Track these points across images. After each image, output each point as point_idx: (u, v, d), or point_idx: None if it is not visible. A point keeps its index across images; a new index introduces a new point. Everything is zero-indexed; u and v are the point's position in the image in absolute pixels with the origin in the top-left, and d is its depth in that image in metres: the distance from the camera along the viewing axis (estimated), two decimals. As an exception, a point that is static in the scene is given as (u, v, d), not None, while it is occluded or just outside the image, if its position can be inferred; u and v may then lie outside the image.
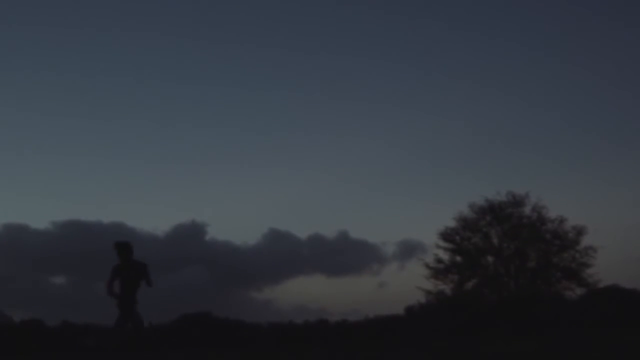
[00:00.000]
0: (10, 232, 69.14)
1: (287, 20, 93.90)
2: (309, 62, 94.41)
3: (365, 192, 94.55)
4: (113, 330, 9.50)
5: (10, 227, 70.43)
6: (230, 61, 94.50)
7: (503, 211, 32.93)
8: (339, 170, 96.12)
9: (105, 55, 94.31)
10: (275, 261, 70.64)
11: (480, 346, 13.98)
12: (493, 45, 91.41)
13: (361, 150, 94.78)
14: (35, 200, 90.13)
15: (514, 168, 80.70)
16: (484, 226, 33.05)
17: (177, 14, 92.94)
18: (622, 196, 79.97)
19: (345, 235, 74.12)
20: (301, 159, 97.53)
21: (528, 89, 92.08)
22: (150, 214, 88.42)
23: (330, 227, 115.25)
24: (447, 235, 33.09)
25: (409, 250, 64.83)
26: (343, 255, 72.81)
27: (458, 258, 32.92)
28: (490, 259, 32.88)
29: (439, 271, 32.63)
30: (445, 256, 33.00)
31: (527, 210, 32.84)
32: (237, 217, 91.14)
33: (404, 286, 68.65)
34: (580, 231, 32.02)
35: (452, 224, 33.34)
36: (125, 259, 9.62)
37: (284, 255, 71.76)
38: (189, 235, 71.64)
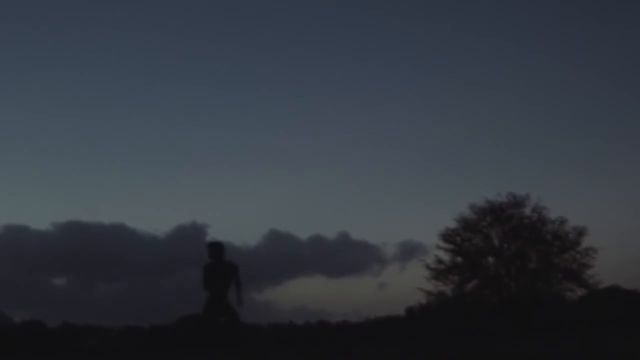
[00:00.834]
0: (10, 233, 69.16)
1: (288, 21, 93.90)
2: (309, 62, 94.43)
3: (366, 193, 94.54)
4: (202, 326, 9.48)
5: (11, 228, 70.42)
6: (230, 62, 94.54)
7: (504, 212, 32.93)
8: (340, 171, 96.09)
9: (106, 56, 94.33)
10: (275, 262, 70.59)
11: (480, 347, 13.97)
12: (493, 45, 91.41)
13: (361, 151, 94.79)
14: (36, 201, 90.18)
15: (514, 169, 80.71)
16: (484, 227, 33.06)
17: (179, 15, 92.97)
18: (622, 197, 79.94)
19: (346, 236, 74.10)
20: (302, 160, 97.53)
21: (528, 89, 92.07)
22: (151, 215, 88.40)
23: (330, 228, 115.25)
24: (447, 236, 33.11)
25: (409, 251, 64.85)
26: (344, 256, 72.76)
27: (459, 259, 32.93)
28: (490, 259, 32.91)
29: (439, 272, 32.63)
30: (445, 257, 33.01)
31: (527, 211, 32.87)
32: (237, 218, 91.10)
33: (404, 287, 68.53)
34: (580, 232, 32.03)
35: (452, 224, 33.38)
36: (217, 259, 9.49)
37: (284, 256, 71.73)
38: (190, 236, 71.60)
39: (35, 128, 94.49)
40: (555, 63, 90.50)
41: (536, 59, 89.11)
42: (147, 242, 70.38)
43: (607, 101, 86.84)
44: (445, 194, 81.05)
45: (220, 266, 9.54)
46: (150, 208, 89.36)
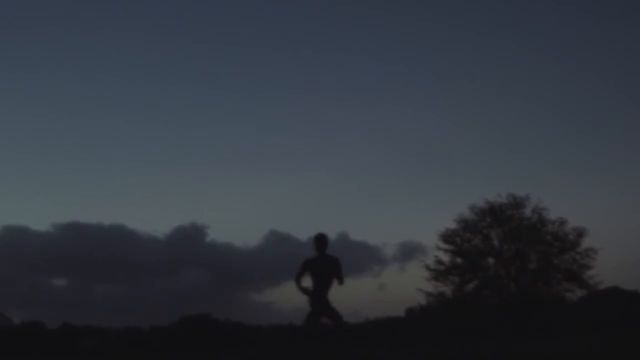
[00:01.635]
0: (10, 234, 69.25)
1: (289, 21, 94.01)
2: (308, 64, 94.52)
3: (366, 194, 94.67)
4: (304, 328, 9.01)
5: (11, 229, 70.55)
6: (230, 63, 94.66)
7: (503, 213, 32.89)
8: (339, 172, 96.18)
9: (106, 57, 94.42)
10: (275, 263, 70.62)
11: (480, 347, 13.97)
12: (493, 46, 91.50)
13: (361, 152, 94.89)
14: (36, 202, 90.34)
15: (514, 170, 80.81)
16: (484, 228, 33.00)
17: (179, 16, 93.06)
18: (622, 198, 79.98)
19: (345, 237, 74.09)
20: (301, 161, 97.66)
21: (528, 90, 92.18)
22: (151, 216, 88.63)
23: (330, 228, 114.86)
24: (447, 237, 33.04)
25: (409, 252, 64.92)
26: (343, 256, 72.78)
27: (458, 260, 32.88)
28: (490, 260, 32.84)
29: (439, 273, 32.57)
30: (445, 258, 32.95)
31: (527, 212, 32.81)
32: (237, 219, 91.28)
33: (404, 288, 68.65)
34: (580, 233, 31.97)
35: (452, 225, 33.33)
36: (321, 253, 9.00)
37: (284, 257, 71.76)
38: (189, 237, 71.73)
39: (35, 129, 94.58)
40: (555, 63, 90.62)
41: (536, 59, 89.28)
42: (147, 242, 70.56)
43: (607, 101, 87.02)
44: (445, 194, 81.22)
45: (322, 260, 9.01)
46: (150, 209, 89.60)
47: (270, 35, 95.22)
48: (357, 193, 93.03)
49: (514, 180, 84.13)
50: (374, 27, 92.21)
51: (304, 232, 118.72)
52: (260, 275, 69.86)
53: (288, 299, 75.00)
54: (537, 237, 32.19)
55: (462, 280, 32.53)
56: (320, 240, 9.13)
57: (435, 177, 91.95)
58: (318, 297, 8.89)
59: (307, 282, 9.23)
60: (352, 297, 73.94)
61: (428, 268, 32.77)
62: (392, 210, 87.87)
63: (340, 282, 9.04)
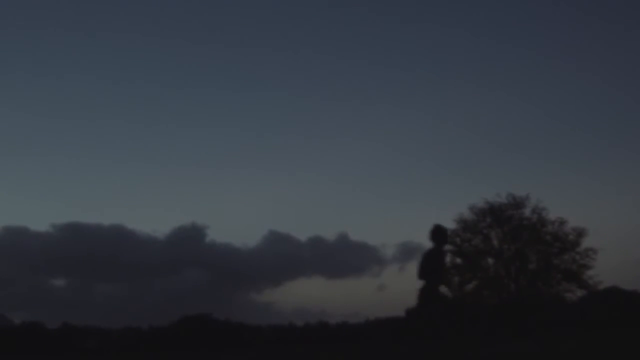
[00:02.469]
0: (10, 234, 69.42)
1: (288, 22, 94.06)
2: (308, 64, 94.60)
3: (365, 194, 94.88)
4: (413, 321, 8.84)
5: (11, 230, 70.78)
6: (230, 64, 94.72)
7: (503, 213, 32.92)
8: (339, 173, 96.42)
9: (105, 58, 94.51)
10: (275, 263, 70.85)
11: (480, 347, 13.98)
12: (493, 47, 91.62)
13: (361, 152, 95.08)
14: (35, 202, 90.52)
15: (514, 170, 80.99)
16: (484, 228, 33.04)
17: (180, 17, 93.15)
18: (622, 198, 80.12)
19: (345, 237, 74.56)
20: (301, 162, 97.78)
21: (528, 91, 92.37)
22: (150, 216, 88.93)
23: (330, 229, 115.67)
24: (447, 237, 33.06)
25: (408, 252, 65.10)
26: (343, 257, 73.02)
27: (458, 260, 32.91)
28: (490, 260, 32.88)
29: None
30: (445, 258, 32.97)
31: (527, 212, 32.86)
32: (237, 219, 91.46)
33: (404, 288, 68.68)
34: (580, 233, 32.02)
35: (452, 225, 33.34)
36: (441, 245, 8.84)
37: (284, 257, 72.00)
38: (189, 238, 71.90)
39: (35, 130, 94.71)
40: (555, 63, 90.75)
41: (536, 59, 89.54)
42: (147, 243, 70.70)
43: (607, 101, 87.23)
44: (445, 195, 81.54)
45: (441, 253, 8.85)
46: (149, 209, 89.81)
47: (271, 36, 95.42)
48: (357, 193, 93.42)
49: (514, 180, 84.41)
50: (374, 27, 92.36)
51: (303, 233, 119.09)
52: (260, 275, 70.08)
53: (288, 299, 75.12)
54: (536, 237, 32.23)
55: (462, 280, 32.56)
56: (443, 232, 8.84)
57: (435, 177, 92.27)
58: (433, 289, 8.69)
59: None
60: (352, 296, 74.07)
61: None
62: (391, 210, 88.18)
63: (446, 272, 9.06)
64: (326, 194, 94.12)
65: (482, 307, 32.57)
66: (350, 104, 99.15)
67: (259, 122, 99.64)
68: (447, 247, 35.28)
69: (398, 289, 64.40)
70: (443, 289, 8.98)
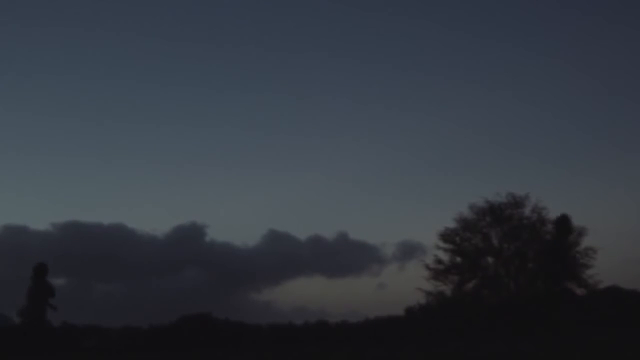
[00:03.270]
0: (10, 234, 69.25)
1: (288, 22, 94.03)
2: (307, 64, 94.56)
3: (365, 193, 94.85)
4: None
5: (10, 229, 70.56)
6: (229, 63, 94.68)
7: (503, 212, 32.88)
8: (339, 172, 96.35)
9: (105, 58, 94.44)
10: (274, 262, 70.74)
11: (480, 347, 13.97)
12: (492, 46, 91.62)
13: (360, 151, 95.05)
14: (35, 201, 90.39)
15: (514, 169, 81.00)
16: (484, 227, 33.00)
17: (180, 17, 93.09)
18: (622, 197, 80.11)
19: (345, 237, 74.34)
20: (301, 161, 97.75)
21: (528, 90, 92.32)
22: (150, 215, 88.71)
23: (329, 228, 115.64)
24: (447, 236, 33.03)
25: (408, 251, 65.00)
26: (343, 256, 72.89)
27: (458, 259, 32.89)
28: (490, 259, 32.87)
29: (439, 272, 32.58)
30: (445, 257, 32.96)
31: (527, 211, 32.78)
32: (236, 219, 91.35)
33: (403, 287, 68.79)
34: (580, 232, 31.93)
35: (452, 224, 33.33)
36: (565, 236, 8.62)
37: (283, 256, 71.87)
38: (189, 237, 71.79)
39: (34, 129, 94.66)
40: (555, 63, 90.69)
41: (536, 59, 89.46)
42: (147, 242, 70.59)
43: (607, 101, 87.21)
44: (445, 194, 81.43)
45: (562, 243, 8.65)
46: (149, 208, 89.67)
47: (271, 35, 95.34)
48: (357, 193, 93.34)
49: (514, 179, 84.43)
50: (373, 27, 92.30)
51: (303, 232, 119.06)
52: (260, 274, 70.01)
53: (287, 298, 75.15)
54: (536, 237, 32.20)
55: (462, 279, 32.55)
56: (567, 221, 8.59)
57: (434, 177, 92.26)
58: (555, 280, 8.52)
59: None
60: (352, 296, 74.10)
61: (427, 267, 32.80)
62: (391, 209, 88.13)
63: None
64: (326, 193, 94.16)
65: (482, 306, 32.55)
66: (349, 104, 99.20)
67: (258, 121, 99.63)
68: (449, 246, 34.90)
69: (398, 287, 64.33)
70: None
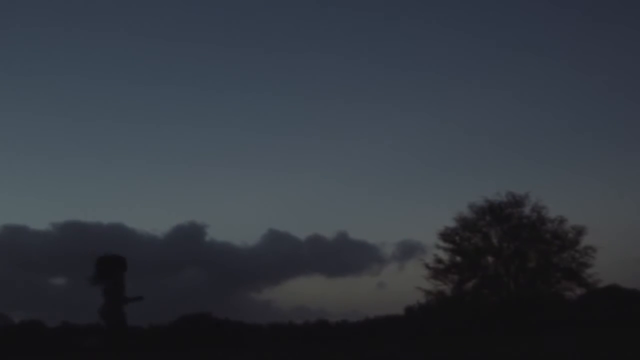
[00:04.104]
0: (9, 233, 69.06)
1: (288, 23, 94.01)
2: (307, 64, 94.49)
3: (365, 193, 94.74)
4: None
5: (10, 228, 70.34)
6: (230, 64, 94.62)
7: (503, 211, 32.83)
8: (338, 171, 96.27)
9: (104, 58, 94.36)
10: (274, 262, 70.60)
11: (480, 347, 13.97)
12: (492, 47, 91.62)
13: (360, 151, 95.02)
14: (35, 201, 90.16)
15: (513, 168, 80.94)
16: (483, 226, 32.93)
17: (179, 18, 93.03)
18: (621, 197, 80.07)
19: (345, 236, 74.18)
20: (300, 160, 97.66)
21: (527, 90, 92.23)
22: (150, 215, 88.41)
23: (329, 227, 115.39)
24: (447, 236, 32.97)
25: (408, 250, 64.86)
26: (342, 255, 72.74)
27: (458, 258, 32.82)
28: (490, 259, 32.79)
29: (438, 271, 32.51)
30: (445, 256, 32.88)
31: (526, 210, 32.75)
32: (236, 218, 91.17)
33: (403, 286, 68.61)
34: (580, 231, 31.92)
35: (452, 224, 33.26)
36: None
37: (283, 255, 71.74)
38: (189, 236, 71.63)
39: (34, 129, 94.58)
40: (554, 63, 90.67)
41: (535, 59, 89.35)
42: (146, 242, 70.38)
43: (607, 101, 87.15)
44: (445, 193, 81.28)
45: None
46: (149, 208, 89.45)
47: (271, 35, 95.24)
48: (357, 192, 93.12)
49: (514, 179, 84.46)
50: (374, 29, 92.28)
51: (303, 231, 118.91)
52: (260, 273, 69.89)
53: (287, 297, 75.13)
54: (536, 236, 32.16)
55: (462, 278, 32.49)
56: None
57: (434, 176, 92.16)
58: None
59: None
60: (351, 295, 74.10)
61: (427, 267, 32.73)
62: (391, 209, 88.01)
63: None
64: (325, 193, 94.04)
65: (482, 305, 32.53)
66: (350, 104, 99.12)
67: (258, 122, 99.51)
68: (449, 245, 34.71)
69: (398, 287, 64.23)
70: None
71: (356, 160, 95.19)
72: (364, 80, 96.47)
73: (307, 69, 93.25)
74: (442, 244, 32.95)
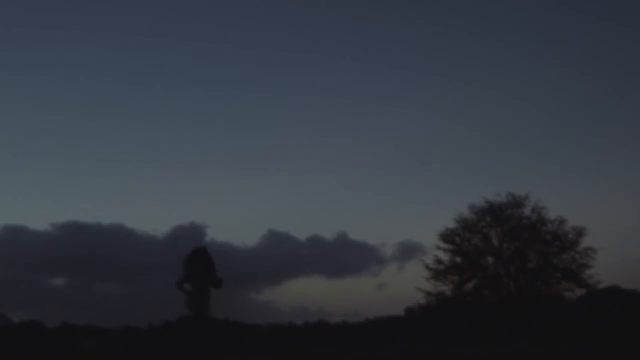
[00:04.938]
0: (9, 234, 69.13)
1: (288, 23, 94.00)
2: (306, 64, 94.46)
3: (365, 193, 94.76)
4: None
5: (10, 229, 70.42)
6: (230, 64, 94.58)
7: (503, 212, 32.88)
8: (338, 172, 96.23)
9: (104, 57, 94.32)
10: (274, 262, 70.63)
11: (480, 347, 13.97)
12: (492, 46, 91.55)
13: (360, 151, 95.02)
14: (35, 201, 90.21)
15: (513, 169, 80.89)
16: (483, 227, 32.98)
17: (179, 18, 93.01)
18: (622, 197, 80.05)
19: (345, 237, 74.21)
20: (300, 161, 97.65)
21: (527, 90, 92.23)
22: (150, 215, 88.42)
23: (329, 228, 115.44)
24: (447, 236, 33.02)
25: (408, 251, 64.93)
26: (342, 256, 72.80)
27: (458, 259, 32.86)
28: (490, 259, 32.83)
29: (438, 272, 32.56)
30: (445, 257, 32.94)
31: (527, 211, 32.80)
32: (236, 219, 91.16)
33: (403, 287, 68.72)
34: (580, 232, 31.96)
35: (452, 225, 33.30)
36: None
37: (283, 256, 71.78)
38: (189, 237, 71.65)
39: (34, 129, 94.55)
40: (554, 63, 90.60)
41: (535, 59, 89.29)
42: (146, 242, 70.42)
43: (607, 101, 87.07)
44: (444, 194, 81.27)
45: None
46: (149, 208, 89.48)
47: (271, 35, 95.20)
48: (357, 192, 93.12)
49: (514, 179, 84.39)
50: (374, 28, 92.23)
51: (303, 232, 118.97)
52: (259, 274, 69.90)
53: (287, 298, 75.12)
54: (536, 237, 32.19)
55: (462, 279, 32.52)
56: None
57: (434, 177, 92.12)
58: None
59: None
60: (351, 296, 74.07)
61: (427, 267, 32.77)
62: (391, 209, 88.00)
63: None
64: (325, 193, 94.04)
65: (482, 306, 32.54)
66: (349, 104, 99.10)
67: (258, 122, 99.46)
68: (449, 246, 34.98)
69: (398, 287, 64.26)
70: None
71: (356, 160, 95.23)
72: (364, 80, 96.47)
73: (307, 69, 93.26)
74: (442, 244, 33.02)
